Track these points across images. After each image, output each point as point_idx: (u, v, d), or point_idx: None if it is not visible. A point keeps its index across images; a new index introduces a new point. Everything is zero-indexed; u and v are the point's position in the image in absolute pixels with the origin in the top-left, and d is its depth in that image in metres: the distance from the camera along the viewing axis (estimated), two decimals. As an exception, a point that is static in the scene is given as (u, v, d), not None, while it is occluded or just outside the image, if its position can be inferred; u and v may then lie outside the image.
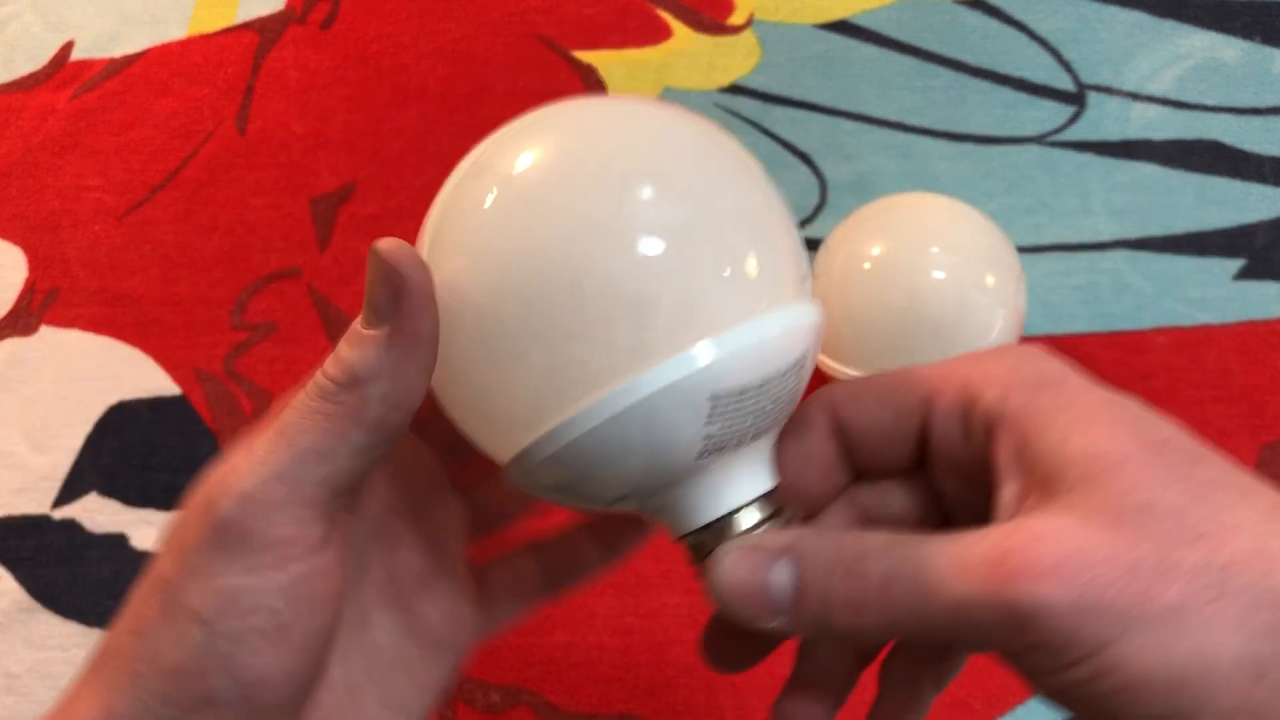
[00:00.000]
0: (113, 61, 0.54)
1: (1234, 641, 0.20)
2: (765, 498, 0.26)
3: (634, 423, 0.23)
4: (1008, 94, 0.53)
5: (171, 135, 0.53)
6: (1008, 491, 0.24)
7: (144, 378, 0.50)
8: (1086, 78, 0.53)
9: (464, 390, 0.25)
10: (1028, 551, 0.21)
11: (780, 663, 0.46)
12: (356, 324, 0.24)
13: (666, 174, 0.24)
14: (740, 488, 0.26)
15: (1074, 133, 0.52)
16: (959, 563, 0.22)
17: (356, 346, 0.24)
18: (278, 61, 0.54)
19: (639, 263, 0.23)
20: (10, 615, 0.48)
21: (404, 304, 0.23)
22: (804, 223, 0.52)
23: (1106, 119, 0.52)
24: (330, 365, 0.24)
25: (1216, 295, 0.50)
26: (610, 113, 0.26)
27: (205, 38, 0.54)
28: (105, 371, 0.50)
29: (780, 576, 0.24)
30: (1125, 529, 0.21)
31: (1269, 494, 0.22)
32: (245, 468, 0.24)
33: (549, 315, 0.23)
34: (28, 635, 0.47)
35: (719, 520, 0.25)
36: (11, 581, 0.48)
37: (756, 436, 0.25)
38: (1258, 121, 0.52)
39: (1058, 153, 0.52)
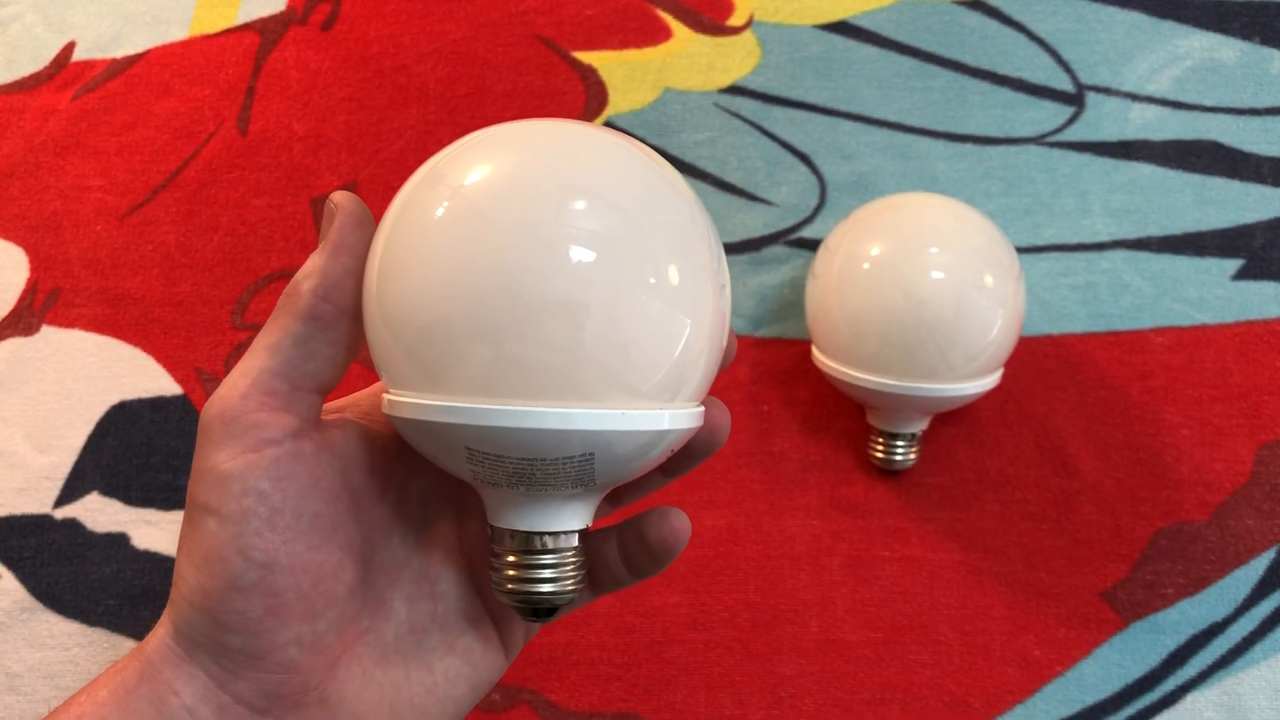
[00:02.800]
0: (114, 62, 0.54)
1: None
2: (558, 533, 0.30)
3: (416, 431, 0.28)
4: (1006, 94, 0.53)
5: (173, 136, 0.53)
6: None
7: (145, 378, 0.50)
8: (1085, 78, 0.53)
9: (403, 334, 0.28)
10: None
11: (781, 661, 0.47)
12: None
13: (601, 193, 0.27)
14: (530, 518, 0.29)
15: (1073, 133, 0.52)
16: None
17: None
18: (279, 62, 0.54)
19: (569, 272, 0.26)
20: (12, 615, 0.48)
21: (335, 223, 0.29)
22: (804, 223, 0.52)
23: (1105, 119, 0.52)
24: None
25: (1215, 295, 0.50)
26: (556, 134, 0.29)
27: (206, 38, 0.54)
28: (106, 371, 0.50)
29: None
30: None
31: None
32: (221, 384, 0.29)
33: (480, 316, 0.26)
34: (29, 635, 0.47)
35: (513, 531, 0.29)
36: (13, 581, 0.48)
37: (549, 487, 0.28)
38: (1256, 122, 0.52)
39: (1056, 153, 0.52)
